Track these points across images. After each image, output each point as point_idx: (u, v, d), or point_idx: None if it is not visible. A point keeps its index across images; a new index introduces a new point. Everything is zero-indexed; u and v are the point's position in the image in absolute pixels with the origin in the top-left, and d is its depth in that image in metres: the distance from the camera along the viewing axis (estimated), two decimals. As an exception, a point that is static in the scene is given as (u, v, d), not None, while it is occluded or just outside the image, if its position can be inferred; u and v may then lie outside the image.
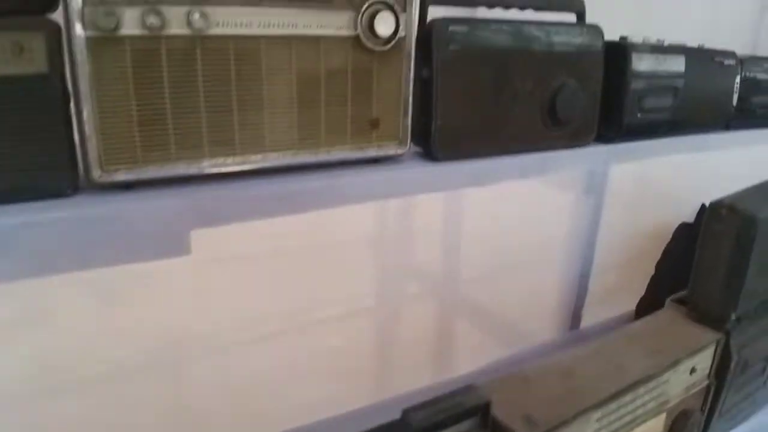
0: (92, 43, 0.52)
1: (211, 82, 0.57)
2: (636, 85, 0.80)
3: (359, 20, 0.61)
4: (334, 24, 0.61)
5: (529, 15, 0.74)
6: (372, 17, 0.61)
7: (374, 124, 0.66)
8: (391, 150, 0.68)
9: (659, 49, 0.82)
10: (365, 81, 0.64)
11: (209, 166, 0.59)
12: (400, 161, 0.70)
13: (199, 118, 0.57)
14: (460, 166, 0.70)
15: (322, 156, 0.64)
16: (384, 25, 0.61)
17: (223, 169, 0.60)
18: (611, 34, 0.79)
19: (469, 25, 0.67)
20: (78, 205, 0.53)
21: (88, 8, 0.51)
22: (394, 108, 0.67)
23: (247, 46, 0.58)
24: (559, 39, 0.73)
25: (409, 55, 0.65)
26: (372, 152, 0.67)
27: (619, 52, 0.79)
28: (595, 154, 0.80)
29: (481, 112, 0.70)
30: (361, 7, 0.60)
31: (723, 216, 0.84)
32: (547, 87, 0.74)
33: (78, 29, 0.51)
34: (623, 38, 0.81)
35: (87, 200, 0.54)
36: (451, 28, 0.66)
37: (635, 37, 0.80)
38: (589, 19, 0.78)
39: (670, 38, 0.84)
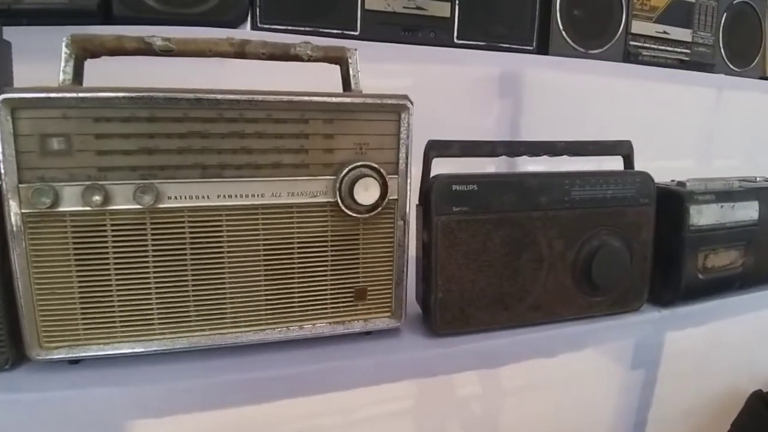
0: (28, 219, 0.47)
1: (163, 257, 0.51)
2: (695, 242, 0.65)
3: (338, 186, 0.52)
4: (310, 191, 0.53)
5: (571, 164, 0.63)
6: (353, 183, 0.52)
7: (360, 294, 0.57)
8: (381, 323, 0.58)
9: (726, 195, 0.67)
10: (349, 248, 0.55)
11: (159, 346, 0.52)
12: (396, 336, 0.59)
13: (148, 295, 0.51)
14: (466, 344, 0.58)
15: (295, 332, 0.55)
16: (365, 192, 0.53)
17: (176, 347, 0.52)
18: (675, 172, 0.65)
19: (478, 181, 0.57)
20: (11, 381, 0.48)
21: (24, 185, 0.46)
22: (385, 277, 0.57)
23: (205, 218, 0.51)
24: (596, 191, 0.61)
25: (404, 218, 0.56)
26: (357, 326, 0.57)
27: (673, 203, 0.65)
28: (644, 323, 0.66)
29: (495, 280, 0.59)
30: (341, 171, 0.52)
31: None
32: (580, 248, 0.61)
33: (13, 206, 0.46)
34: (681, 184, 0.67)
35: (23, 377, 0.49)
36: (455, 187, 0.56)
37: (693, 182, 0.67)
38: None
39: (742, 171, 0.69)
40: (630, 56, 0.92)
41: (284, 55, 0.54)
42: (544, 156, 0.63)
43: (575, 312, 0.63)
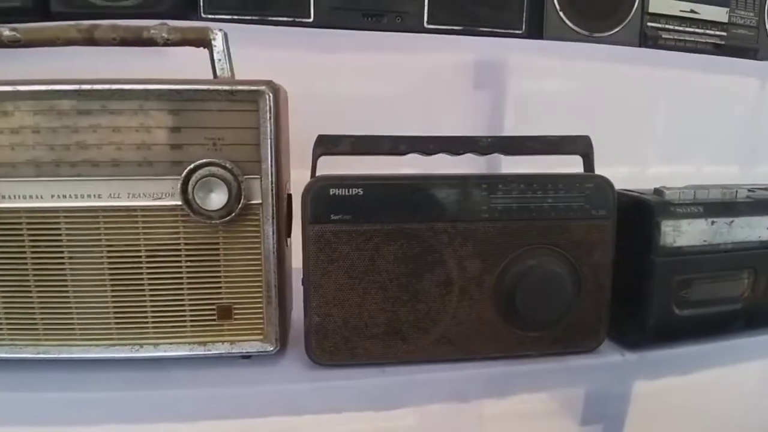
0: None
1: (4, 260, 0.46)
2: (669, 268, 0.51)
3: (182, 188, 0.45)
4: (153, 192, 0.46)
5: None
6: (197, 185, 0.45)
7: (224, 313, 0.49)
8: (252, 347, 0.49)
9: (722, 208, 0.52)
10: (207, 259, 0.48)
11: (7, 352, 0.48)
12: (274, 363, 0.51)
13: None
14: (349, 379, 0.48)
15: (149, 351, 0.49)
16: (210, 195, 0.45)
17: (22, 355, 0.48)
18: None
19: (364, 184, 0.47)
20: None
21: None
22: (254, 293, 0.49)
23: (42, 220, 0.46)
24: (527, 200, 0.49)
25: (269, 226, 0.47)
26: (221, 349, 0.49)
27: (639, 217, 0.51)
28: (600, 367, 0.52)
29: (389, 305, 0.49)
30: (184, 171, 0.45)
31: None
32: (503, 271, 0.49)
33: None
34: (658, 192, 0.53)
35: None
36: (334, 190, 0.47)
37: (677, 190, 0.52)
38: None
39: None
40: (648, 39, 0.77)
41: (137, 39, 0.48)
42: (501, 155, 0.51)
43: (501, 349, 0.51)
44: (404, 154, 0.50)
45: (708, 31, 0.77)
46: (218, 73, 0.49)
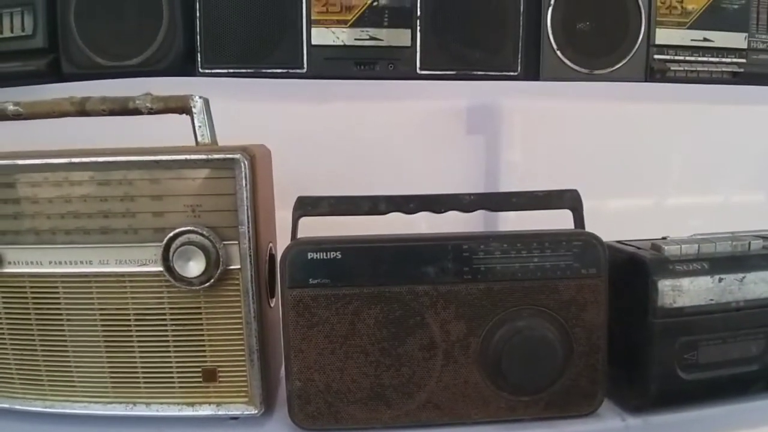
0: None
1: (13, 320, 0.50)
2: (670, 330, 0.47)
3: (163, 255, 0.46)
4: (139, 259, 0.47)
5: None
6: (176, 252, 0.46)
7: (209, 375, 0.50)
8: (237, 409, 0.50)
9: (730, 263, 0.48)
10: (191, 324, 0.49)
11: (20, 404, 0.51)
12: (259, 425, 0.51)
13: (6, 354, 0.50)
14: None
15: (142, 410, 0.50)
16: (188, 263, 0.46)
17: (32, 408, 0.51)
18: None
19: (342, 247, 0.47)
20: None
21: None
22: (238, 357, 0.49)
23: (43, 285, 0.50)
24: (512, 260, 0.47)
25: (248, 291, 0.48)
26: (208, 410, 0.50)
27: (634, 275, 0.48)
28: (599, 434, 0.49)
29: (372, 370, 0.48)
30: (165, 238, 0.46)
31: None
32: (488, 334, 0.48)
33: None
34: (656, 247, 0.50)
35: None
36: (312, 255, 0.47)
37: (678, 243, 0.49)
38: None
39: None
40: (655, 73, 0.73)
41: (124, 109, 0.50)
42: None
43: (491, 414, 0.49)
44: (384, 214, 0.50)
45: (724, 59, 0.73)
46: (199, 139, 0.51)
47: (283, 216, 0.53)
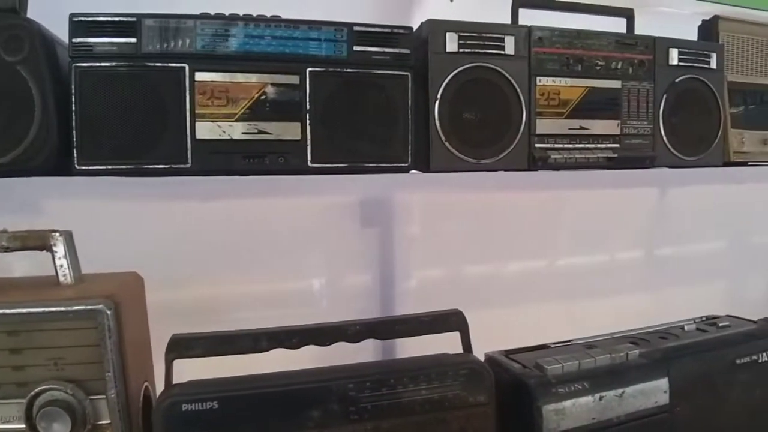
0: None
1: None
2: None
3: (26, 414, 0.42)
4: (2, 416, 0.43)
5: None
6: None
7: None
8: None
9: (610, 378, 0.50)
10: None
11: None
12: None
13: None
14: None
15: None
16: (52, 425, 0.41)
17: None
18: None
19: (219, 396, 0.44)
20: None
21: None
22: None
23: None
24: (399, 395, 0.46)
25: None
26: None
27: (521, 402, 0.48)
28: None
29: None
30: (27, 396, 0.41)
31: None
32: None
33: None
34: (538, 366, 0.50)
35: None
36: (186, 406, 0.43)
37: (558, 361, 0.50)
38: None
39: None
40: (537, 161, 0.75)
41: (-19, 248, 0.45)
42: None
43: None
44: (267, 351, 0.47)
45: (599, 145, 0.77)
46: (61, 279, 0.47)
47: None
